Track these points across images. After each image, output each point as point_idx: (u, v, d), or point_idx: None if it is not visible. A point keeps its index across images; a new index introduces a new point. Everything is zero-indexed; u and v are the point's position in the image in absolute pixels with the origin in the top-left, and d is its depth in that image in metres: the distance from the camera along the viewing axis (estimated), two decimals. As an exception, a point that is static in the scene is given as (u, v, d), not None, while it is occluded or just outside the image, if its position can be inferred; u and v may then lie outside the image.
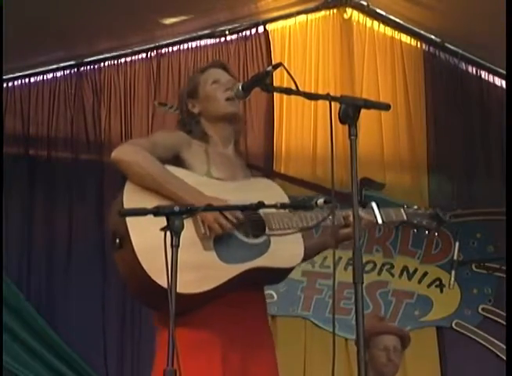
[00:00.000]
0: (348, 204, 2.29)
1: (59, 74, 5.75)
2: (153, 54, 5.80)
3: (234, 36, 5.83)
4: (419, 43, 6.01)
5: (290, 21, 5.92)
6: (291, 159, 5.74)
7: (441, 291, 5.58)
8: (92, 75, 5.75)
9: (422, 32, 5.96)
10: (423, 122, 5.91)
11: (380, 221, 2.75)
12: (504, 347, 5.04)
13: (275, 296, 5.27)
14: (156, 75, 5.75)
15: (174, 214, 2.17)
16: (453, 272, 5.02)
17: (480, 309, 5.55)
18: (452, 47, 5.98)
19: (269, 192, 2.73)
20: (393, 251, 5.64)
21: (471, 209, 5.65)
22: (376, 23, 5.98)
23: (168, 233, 2.15)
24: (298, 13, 5.90)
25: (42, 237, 5.49)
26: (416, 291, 5.59)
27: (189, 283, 2.36)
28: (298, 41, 5.92)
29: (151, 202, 2.39)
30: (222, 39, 5.82)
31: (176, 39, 5.76)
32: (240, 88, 2.66)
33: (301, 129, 5.78)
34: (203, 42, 5.81)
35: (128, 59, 5.79)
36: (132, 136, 5.56)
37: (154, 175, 2.52)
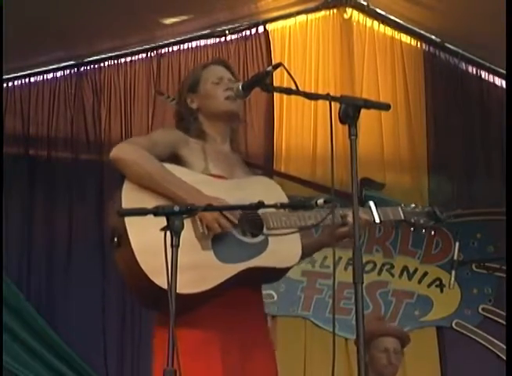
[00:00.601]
0: (348, 204, 2.29)
1: (59, 73, 5.75)
2: (153, 54, 5.80)
3: (234, 36, 5.83)
4: (419, 43, 6.01)
5: (290, 21, 5.92)
6: (291, 159, 5.74)
7: (442, 290, 5.58)
8: (92, 75, 5.75)
9: (422, 32, 5.96)
10: (423, 122, 5.91)
11: (377, 220, 2.74)
12: (504, 347, 5.04)
13: (275, 296, 5.27)
14: (157, 75, 5.75)
15: (174, 214, 2.17)
16: (453, 272, 5.03)
17: (480, 309, 5.55)
18: (452, 47, 5.98)
19: (268, 191, 2.72)
20: (393, 251, 5.64)
21: (471, 209, 5.65)
22: (376, 23, 5.98)
23: (168, 233, 2.15)
24: (298, 13, 5.90)
25: (42, 237, 5.49)
26: (416, 291, 5.59)
27: (186, 283, 2.34)
28: (298, 41, 5.91)
29: (149, 201, 2.39)
30: (222, 39, 5.82)
31: (176, 39, 5.76)
32: (240, 87, 2.67)
33: (301, 129, 5.78)
34: (203, 42, 5.81)
35: (128, 59, 5.79)
36: (132, 136, 5.54)
37: (153, 173, 2.52)
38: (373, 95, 5.71)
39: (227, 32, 5.80)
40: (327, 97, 2.35)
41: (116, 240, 2.46)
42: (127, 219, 2.41)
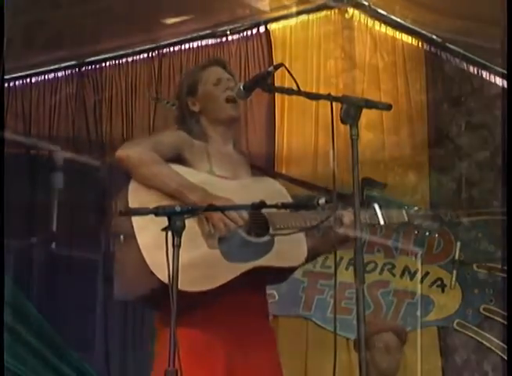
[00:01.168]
0: (350, 204, 2.29)
1: (60, 73, 5.75)
2: (154, 54, 5.79)
3: (235, 36, 5.82)
4: (420, 43, 6.01)
5: (292, 21, 5.92)
6: (292, 159, 5.74)
7: (443, 290, 5.57)
8: (94, 75, 5.75)
9: (423, 32, 5.95)
10: (425, 122, 5.90)
11: (382, 222, 2.75)
12: (505, 347, 5.03)
13: (276, 296, 5.26)
14: (158, 75, 5.75)
15: (176, 214, 2.17)
16: (454, 272, 5.03)
17: (481, 309, 5.54)
18: (453, 47, 5.98)
19: (272, 191, 2.73)
20: (394, 251, 5.63)
21: (472, 209, 5.65)
22: (377, 23, 5.97)
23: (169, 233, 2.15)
24: (300, 13, 5.89)
25: (43, 237, 5.49)
26: (417, 291, 5.59)
27: (193, 281, 2.36)
28: (299, 41, 5.91)
29: (156, 201, 2.40)
30: (224, 39, 5.81)
31: (177, 39, 5.76)
32: (242, 88, 2.66)
33: (302, 129, 5.78)
34: (204, 42, 5.80)
35: (130, 59, 5.79)
36: (134, 136, 5.55)
37: (159, 173, 2.53)
38: (374, 95, 5.71)
39: (228, 32, 5.80)
40: (328, 97, 2.35)
41: (122, 238, 2.47)
42: (133, 218, 2.42)
